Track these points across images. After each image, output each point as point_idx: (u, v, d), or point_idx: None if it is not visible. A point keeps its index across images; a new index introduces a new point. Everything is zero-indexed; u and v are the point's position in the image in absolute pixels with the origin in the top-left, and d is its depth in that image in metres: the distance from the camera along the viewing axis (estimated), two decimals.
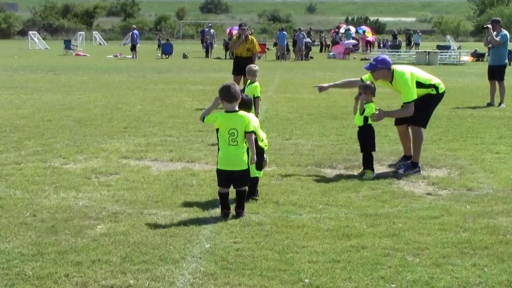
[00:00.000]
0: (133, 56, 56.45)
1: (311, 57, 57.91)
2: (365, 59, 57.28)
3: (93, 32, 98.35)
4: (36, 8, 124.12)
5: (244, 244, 7.90)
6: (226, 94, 9.12)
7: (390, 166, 12.74)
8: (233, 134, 9.04)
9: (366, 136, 11.96)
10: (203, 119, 9.34)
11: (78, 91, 26.39)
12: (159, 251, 7.60)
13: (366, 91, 11.96)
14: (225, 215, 9.09)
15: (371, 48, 72.82)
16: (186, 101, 23.30)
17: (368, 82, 12.19)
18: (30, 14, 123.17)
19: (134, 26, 68.56)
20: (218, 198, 9.28)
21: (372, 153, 11.93)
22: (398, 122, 12.80)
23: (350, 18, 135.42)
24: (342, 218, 9.07)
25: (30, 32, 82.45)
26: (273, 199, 10.06)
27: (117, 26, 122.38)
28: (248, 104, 9.96)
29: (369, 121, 11.95)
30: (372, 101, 12.04)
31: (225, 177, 9.17)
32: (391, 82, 12.26)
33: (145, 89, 27.82)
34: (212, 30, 62.76)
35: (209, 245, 7.86)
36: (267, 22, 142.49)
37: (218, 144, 9.56)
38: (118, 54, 59.27)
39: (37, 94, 25.22)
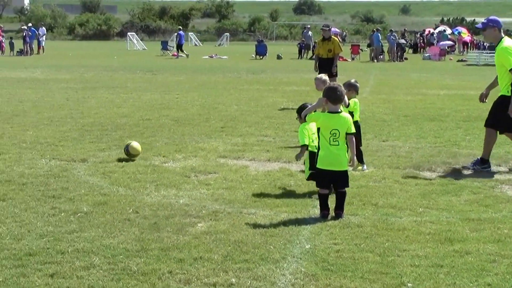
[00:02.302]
0: (177, 55, 57.92)
1: (406, 58, 57.20)
2: (461, 60, 56.31)
3: (189, 33, 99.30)
4: (134, 10, 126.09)
5: (344, 246, 7.81)
6: (332, 95, 9.05)
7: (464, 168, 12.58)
8: (335, 134, 8.97)
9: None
10: (304, 117, 9.29)
11: (175, 91, 26.68)
12: (259, 251, 7.58)
13: (350, 89, 12.12)
14: (324, 216, 9.01)
15: (468, 49, 71.49)
16: (282, 101, 23.29)
17: (352, 81, 12.52)
18: (129, 16, 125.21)
19: (180, 27, 69.17)
20: (318, 199, 9.21)
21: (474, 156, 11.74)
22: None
23: (445, 18, 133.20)
24: (443, 222, 8.88)
25: (128, 33, 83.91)
26: (372, 201, 9.93)
27: (212, 27, 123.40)
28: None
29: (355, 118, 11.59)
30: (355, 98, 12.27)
31: (326, 177, 9.09)
32: (497, 46, 12.60)
33: (240, 89, 27.94)
34: (310, 32, 62.61)
35: (309, 245, 7.80)
36: (360, 23, 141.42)
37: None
38: (213, 55, 59.74)
39: (136, 93, 25.61)
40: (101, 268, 6.96)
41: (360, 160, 12.25)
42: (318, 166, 9.15)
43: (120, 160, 12.74)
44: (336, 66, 22.56)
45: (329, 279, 6.79)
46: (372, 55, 56.29)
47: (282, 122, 18.01)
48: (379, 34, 56.49)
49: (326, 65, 22.45)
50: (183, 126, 17.19)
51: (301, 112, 10.20)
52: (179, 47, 58.68)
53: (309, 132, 10.45)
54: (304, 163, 10.92)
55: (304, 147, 10.46)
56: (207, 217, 8.94)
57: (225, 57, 58.76)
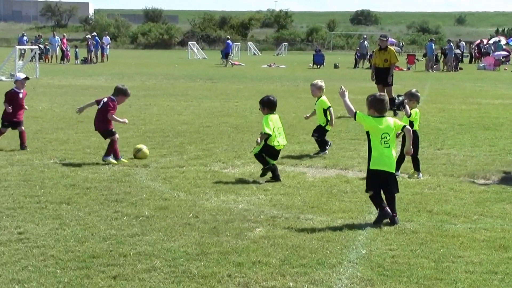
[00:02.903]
0: (226, 64, 58.29)
1: (461, 68, 56.58)
2: None
3: (248, 42, 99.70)
4: (195, 20, 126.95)
5: (399, 252, 7.76)
6: (379, 106, 9.27)
7: None
8: (385, 137, 9.14)
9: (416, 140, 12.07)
10: (354, 114, 9.23)
11: (235, 99, 26.81)
12: (316, 255, 7.57)
13: (412, 98, 12.40)
14: (386, 213, 8.90)
15: None
16: (338, 110, 23.18)
17: (413, 90, 12.61)
18: (190, 26, 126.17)
19: (228, 36, 69.48)
20: (373, 204, 9.18)
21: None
22: None
23: (500, 29, 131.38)
24: (498, 229, 8.77)
25: (189, 42, 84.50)
26: (427, 208, 9.85)
27: (271, 37, 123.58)
28: (275, 105, 12.22)
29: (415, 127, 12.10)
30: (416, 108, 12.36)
31: (378, 178, 9.07)
32: None
33: (298, 97, 27.92)
34: (366, 42, 62.25)
35: (365, 251, 7.77)
36: (416, 33, 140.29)
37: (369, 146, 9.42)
38: (271, 64, 59.84)
39: (196, 101, 25.80)
40: (162, 271, 7.03)
41: (417, 168, 12.28)
42: (370, 167, 9.17)
43: (180, 166, 12.86)
44: (392, 75, 22.52)
45: (384, 284, 6.75)
46: (429, 64, 55.77)
47: (338, 130, 17.97)
48: (432, 44, 55.91)
49: (382, 74, 22.44)
50: (242, 133, 17.27)
51: (263, 103, 12.11)
52: (226, 55, 59.53)
53: (274, 124, 11.91)
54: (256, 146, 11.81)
55: (265, 135, 11.69)
56: (265, 222, 8.97)
57: (283, 66, 58.80)
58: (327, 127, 14.66)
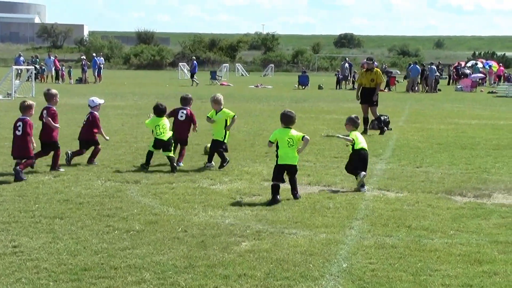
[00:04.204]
0: (192, 83, 59.04)
1: (439, 90, 56.81)
2: (492, 92, 55.82)
3: (236, 64, 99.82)
4: (186, 42, 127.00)
5: (379, 265, 7.79)
6: (354, 123, 13.02)
7: None
8: (291, 140, 11.83)
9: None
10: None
11: None
12: (299, 269, 7.59)
13: (348, 122, 13.46)
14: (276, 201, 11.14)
15: (499, 81, 70.89)
16: (322, 129, 23.29)
17: (353, 116, 13.60)
18: (180, 48, 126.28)
19: (194, 57, 69.98)
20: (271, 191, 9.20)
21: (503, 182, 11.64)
22: None
23: (477, 53, 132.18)
24: (473, 244, 8.81)
25: (180, 63, 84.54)
26: (406, 223, 9.89)
27: (258, 59, 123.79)
28: (164, 111, 14.80)
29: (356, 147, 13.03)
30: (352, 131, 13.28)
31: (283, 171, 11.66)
32: None
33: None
34: (346, 64, 62.42)
35: (346, 264, 7.79)
36: (396, 56, 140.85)
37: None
38: (258, 85, 59.90)
39: None
40: (152, 283, 7.03)
41: (362, 185, 12.58)
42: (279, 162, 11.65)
43: (170, 182, 12.86)
44: (377, 95, 22.76)
45: None
46: (409, 86, 56.00)
47: (322, 148, 18.03)
48: (417, 67, 56.13)
49: (368, 94, 22.67)
50: (229, 151, 17.22)
51: (157, 110, 14.70)
52: (192, 75, 61.08)
53: (162, 128, 14.52)
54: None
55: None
56: (251, 237, 8.98)
57: (270, 86, 58.91)
58: (225, 140, 14.91)
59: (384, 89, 52.19)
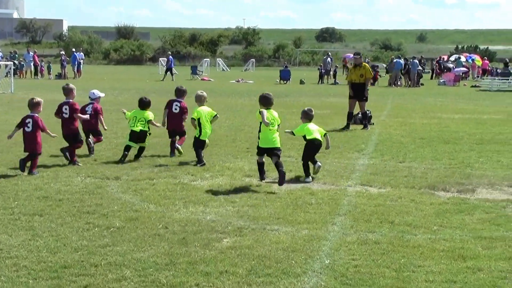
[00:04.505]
0: (164, 78, 58.84)
1: (422, 84, 56.98)
2: (475, 86, 56.02)
3: (217, 58, 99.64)
4: (166, 37, 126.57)
5: (362, 261, 7.80)
6: (306, 115, 14.07)
7: None
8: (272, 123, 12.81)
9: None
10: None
11: None
12: (281, 265, 7.58)
13: (302, 115, 14.26)
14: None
15: (482, 75, 71.18)
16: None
17: (306, 109, 14.34)
18: (161, 43, 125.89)
19: (169, 52, 69.90)
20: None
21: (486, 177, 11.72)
22: None
23: (460, 46, 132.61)
24: (457, 239, 8.84)
25: (160, 58, 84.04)
26: (389, 219, 9.90)
27: (239, 54, 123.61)
28: (148, 104, 15.61)
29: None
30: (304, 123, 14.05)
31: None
32: None
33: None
34: (329, 59, 62.50)
35: (328, 261, 7.80)
36: (379, 50, 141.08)
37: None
38: (240, 80, 59.87)
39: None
40: (132, 280, 7.00)
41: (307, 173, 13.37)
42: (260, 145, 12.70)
43: (151, 178, 12.83)
44: (368, 90, 22.94)
45: None
46: (391, 80, 56.13)
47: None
48: (400, 61, 56.22)
49: (357, 89, 22.81)
50: (211, 146, 17.20)
51: (140, 103, 15.52)
52: (169, 70, 60.74)
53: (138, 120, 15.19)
54: None
55: None
56: (233, 233, 8.96)
57: (251, 81, 58.90)
58: (201, 138, 14.90)
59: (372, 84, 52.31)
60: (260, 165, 12.95)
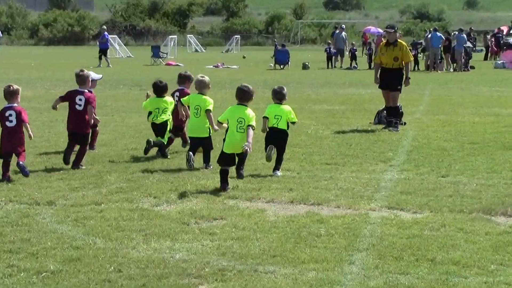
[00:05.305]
0: (99, 65, 58.29)
1: (472, 67, 57.02)
2: None
3: (188, 35, 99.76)
4: (116, 6, 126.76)
5: None
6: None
7: None
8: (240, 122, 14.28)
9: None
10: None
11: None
12: None
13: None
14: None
15: None
16: (309, 124, 23.33)
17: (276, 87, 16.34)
18: (109, 14, 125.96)
19: (104, 26, 69.55)
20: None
21: None
22: None
23: None
24: None
25: (109, 36, 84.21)
26: (428, 255, 9.94)
27: (218, 28, 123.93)
28: (165, 89, 17.51)
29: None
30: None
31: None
32: None
33: (255, 108, 27.70)
34: (342, 34, 62.30)
35: None
36: (411, 20, 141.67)
37: None
38: (219, 64, 59.93)
39: (118, 115, 25.76)
40: None
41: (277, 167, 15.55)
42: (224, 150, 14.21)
43: (97, 202, 12.82)
44: (409, 78, 22.67)
45: None
46: (429, 62, 55.94)
47: (309, 152, 18.06)
48: (439, 35, 56.00)
49: (390, 76, 22.41)
50: (180, 157, 17.25)
51: (155, 88, 17.47)
52: (103, 52, 60.21)
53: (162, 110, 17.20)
54: None
55: None
56: (211, 277, 9.00)
57: (235, 66, 59.01)
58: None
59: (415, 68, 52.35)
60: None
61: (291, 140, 19.84)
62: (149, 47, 74.40)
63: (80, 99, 16.23)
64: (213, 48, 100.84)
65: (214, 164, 15.63)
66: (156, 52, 65.57)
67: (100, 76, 17.97)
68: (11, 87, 15.32)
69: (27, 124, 15.10)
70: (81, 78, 16.69)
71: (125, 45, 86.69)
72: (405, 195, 13.56)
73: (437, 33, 56.75)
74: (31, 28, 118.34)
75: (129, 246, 10.30)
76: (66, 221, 11.63)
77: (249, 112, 14.43)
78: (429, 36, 56.81)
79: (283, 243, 10.50)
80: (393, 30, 23.02)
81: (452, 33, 58.34)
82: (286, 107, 15.65)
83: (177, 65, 60.34)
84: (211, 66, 58.84)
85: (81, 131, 16.27)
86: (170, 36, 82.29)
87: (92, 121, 16.49)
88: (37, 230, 11.05)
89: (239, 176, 14.73)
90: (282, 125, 15.58)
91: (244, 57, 74.31)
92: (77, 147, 16.33)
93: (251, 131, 14.11)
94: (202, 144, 16.43)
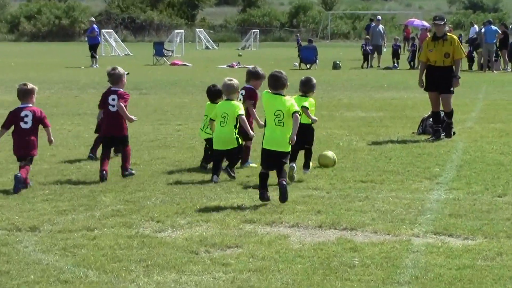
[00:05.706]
0: (92, 64, 58.27)
1: None
2: None
3: (197, 30, 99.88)
4: None
5: None
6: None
7: None
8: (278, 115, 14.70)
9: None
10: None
11: (176, 120, 26.81)
12: None
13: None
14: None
15: None
16: (341, 135, 23.33)
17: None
18: (103, 5, 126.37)
19: (93, 18, 68.98)
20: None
21: None
22: None
23: None
24: None
25: (103, 31, 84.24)
26: None
27: (232, 21, 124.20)
28: (219, 94, 18.11)
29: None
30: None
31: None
32: None
33: None
34: (381, 26, 62.13)
35: None
36: (462, 11, 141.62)
37: None
38: (234, 64, 59.90)
39: None
40: None
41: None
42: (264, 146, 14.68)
43: (90, 228, 12.83)
44: (459, 78, 22.60)
45: None
46: (482, 61, 55.78)
47: (341, 168, 18.03)
48: (495, 28, 55.80)
49: (439, 75, 22.37)
50: (187, 174, 17.27)
51: (209, 93, 18.46)
52: (93, 49, 59.81)
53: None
54: None
55: None
56: None
57: (253, 66, 58.90)
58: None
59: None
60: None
61: (320, 151, 19.87)
62: (151, 43, 74.73)
63: (113, 99, 17.03)
64: (227, 44, 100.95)
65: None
66: (159, 50, 65.49)
67: (126, 72, 17.94)
68: (27, 86, 16.20)
69: (49, 128, 16.37)
70: (115, 77, 17.35)
71: (122, 41, 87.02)
72: (454, 218, 13.53)
73: (492, 26, 56.55)
74: (11, 21, 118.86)
75: (127, 280, 10.32)
76: (53, 250, 11.65)
77: (287, 99, 14.89)
78: (483, 30, 56.62)
79: (310, 275, 10.50)
80: (442, 22, 22.98)
81: (510, 26, 58.13)
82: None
83: (184, 65, 60.52)
84: (225, 66, 58.90)
85: (119, 133, 17.07)
86: (176, 31, 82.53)
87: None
88: (17, 261, 11.08)
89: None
90: (304, 120, 15.99)
91: (240, 55, 74.00)
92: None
93: (297, 120, 14.65)
94: (228, 156, 16.73)
